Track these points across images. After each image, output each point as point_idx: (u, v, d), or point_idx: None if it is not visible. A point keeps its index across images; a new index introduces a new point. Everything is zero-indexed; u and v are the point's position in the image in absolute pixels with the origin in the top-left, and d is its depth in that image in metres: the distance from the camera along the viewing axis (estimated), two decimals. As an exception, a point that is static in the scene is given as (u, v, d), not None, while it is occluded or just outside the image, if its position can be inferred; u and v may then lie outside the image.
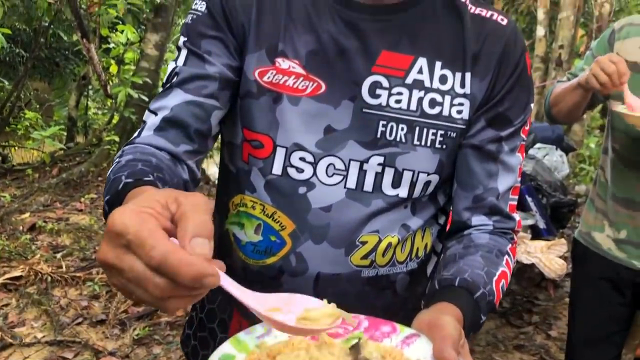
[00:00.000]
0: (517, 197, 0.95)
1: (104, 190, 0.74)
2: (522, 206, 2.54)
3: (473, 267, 0.82)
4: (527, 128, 0.94)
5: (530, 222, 2.40)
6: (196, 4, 0.89)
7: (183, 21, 0.92)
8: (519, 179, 0.95)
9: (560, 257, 2.26)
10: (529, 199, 2.56)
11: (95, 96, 8.85)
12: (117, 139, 5.87)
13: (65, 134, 7.22)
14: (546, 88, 5.75)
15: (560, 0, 5.25)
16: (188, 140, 0.85)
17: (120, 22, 6.55)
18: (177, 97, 0.85)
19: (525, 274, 2.28)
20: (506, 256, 0.89)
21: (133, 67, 6.89)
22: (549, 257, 2.24)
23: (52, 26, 7.71)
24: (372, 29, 0.85)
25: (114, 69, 7.23)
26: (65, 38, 8.74)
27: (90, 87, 7.99)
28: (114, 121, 6.66)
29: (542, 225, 2.51)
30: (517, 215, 0.95)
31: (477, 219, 0.92)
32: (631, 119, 1.53)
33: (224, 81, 0.85)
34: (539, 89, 6.03)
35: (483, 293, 0.78)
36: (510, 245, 0.92)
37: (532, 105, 0.93)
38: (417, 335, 0.66)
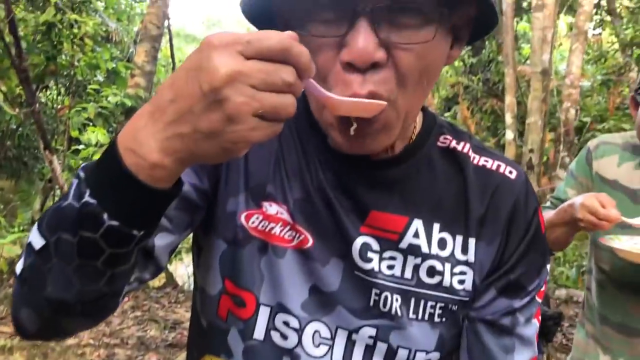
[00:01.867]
0: None
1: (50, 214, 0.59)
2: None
3: None
4: (543, 290, 0.82)
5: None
6: None
7: None
8: (537, 350, 0.82)
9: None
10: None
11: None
12: (81, 243, 5.67)
13: (28, 235, 6.98)
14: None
15: (527, 106, 5.44)
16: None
17: (91, 124, 6.53)
18: None
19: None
20: None
21: (102, 169, 6.82)
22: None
23: (19, 128, 7.67)
24: (360, 185, 0.74)
25: (82, 170, 7.16)
26: (34, 138, 8.70)
27: (57, 187, 7.87)
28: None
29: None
30: None
31: None
32: (628, 255, 1.44)
33: (185, 201, 0.71)
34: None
35: None
36: None
37: (548, 266, 0.82)
38: None
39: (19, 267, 0.62)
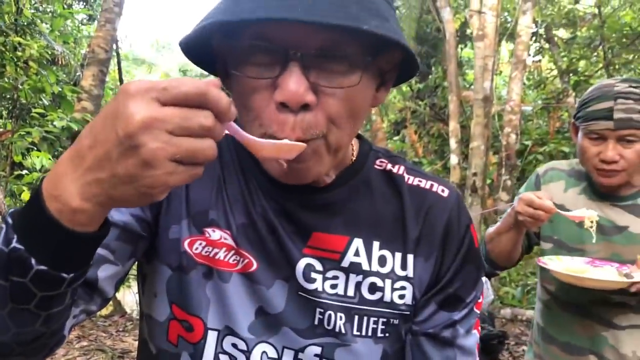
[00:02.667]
0: None
1: None
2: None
3: None
4: (480, 301, 0.87)
5: (462, 360, 2.35)
6: None
7: None
8: (478, 359, 0.87)
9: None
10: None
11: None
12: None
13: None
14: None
15: (470, 131, 5.67)
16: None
17: (35, 148, 6.35)
18: None
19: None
20: None
21: (47, 195, 6.62)
22: (485, 398, 2.17)
23: (-41, 153, 7.38)
24: (301, 209, 0.78)
25: (25, 196, 6.92)
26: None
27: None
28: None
29: (474, 361, 2.46)
30: None
31: None
32: (563, 277, 1.53)
33: (127, 232, 0.74)
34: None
35: None
36: None
37: (483, 279, 0.87)
38: None
39: None
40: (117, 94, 0.51)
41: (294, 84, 0.63)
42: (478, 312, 0.87)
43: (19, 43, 5.93)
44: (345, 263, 0.78)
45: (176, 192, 0.77)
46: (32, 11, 7.03)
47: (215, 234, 0.77)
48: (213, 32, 0.67)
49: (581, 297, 1.61)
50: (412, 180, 0.84)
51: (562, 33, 10.62)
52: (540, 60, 11.69)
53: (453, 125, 6.22)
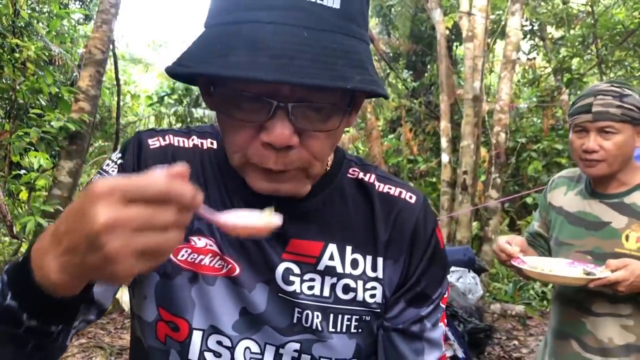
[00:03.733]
0: None
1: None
2: (440, 336, 2.58)
3: None
4: (446, 296, 0.94)
5: (449, 353, 2.42)
6: (109, 164, 0.87)
7: (92, 178, 0.88)
8: (444, 349, 0.94)
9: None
10: (446, 329, 2.60)
11: (1, 225, 8.43)
12: (23, 271, 5.53)
13: (-35, 265, 6.75)
14: (454, 211, 6.14)
15: (460, 130, 5.76)
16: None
17: (33, 148, 6.41)
18: None
19: (448, 409, 2.27)
20: None
21: (45, 194, 6.68)
22: (469, 390, 2.25)
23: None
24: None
25: (24, 195, 6.97)
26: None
27: (-3, 214, 7.65)
28: (22, 251, 6.32)
29: (460, 354, 2.53)
30: None
31: None
32: (532, 274, 1.70)
33: None
34: (447, 211, 6.38)
35: None
36: None
37: (448, 277, 0.94)
38: None
39: None
40: (85, 192, 0.55)
41: (280, 129, 0.68)
42: (444, 306, 0.93)
43: (17, 45, 5.99)
44: (321, 266, 0.85)
45: None
46: (29, 12, 7.08)
47: (200, 241, 0.84)
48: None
49: (568, 288, 1.78)
50: (382, 187, 0.90)
51: (556, 31, 10.69)
52: (534, 58, 11.77)
53: (444, 125, 6.31)
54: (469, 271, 3.52)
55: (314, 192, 0.85)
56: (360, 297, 0.86)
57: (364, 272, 0.86)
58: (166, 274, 0.84)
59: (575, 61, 10.11)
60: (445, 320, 0.95)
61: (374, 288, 0.87)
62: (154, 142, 0.87)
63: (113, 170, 0.86)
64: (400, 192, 0.90)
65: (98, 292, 0.80)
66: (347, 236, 0.86)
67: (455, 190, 6.12)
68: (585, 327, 1.75)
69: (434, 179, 10.00)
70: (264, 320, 0.84)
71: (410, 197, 0.90)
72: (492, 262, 5.32)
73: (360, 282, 0.86)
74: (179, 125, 12.25)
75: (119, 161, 0.86)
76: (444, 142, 6.14)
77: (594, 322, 1.74)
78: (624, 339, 1.69)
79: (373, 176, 0.91)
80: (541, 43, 10.84)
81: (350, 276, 0.85)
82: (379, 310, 0.87)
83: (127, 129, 12.34)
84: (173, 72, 0.69)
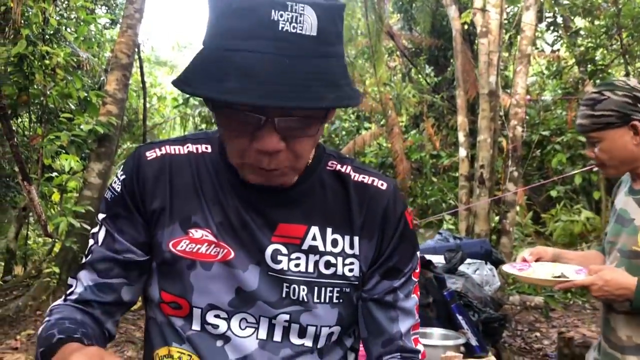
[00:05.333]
0: (418, 330, 1.08)
1: (36, 348, 0.88)
2: (453, 325, 2.64)
3: None
4: (417, 271, 1.07)
5: (461, 341, 2.48)
6: (115, 182, 1.00)
7: (104, 195, 1.03)
8: (417, 317, 1.07)
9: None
10: (460, 317, 2.65)
11: (36, 226, 8.72)
12: (57, 270, 5.75)
13: (2, 265, 7.02)
14: (471, 208, 6.19)
15: (477, 125, 5.79)
16: (102, 311, 0.99)
17: (64, 151, 6.64)
18: (90, 277, 0.98)
19: (459, 394, 2.34)
20: None
21: (76, 195, 6.90)
22: (481, 375, 2.32)
23: (-7, 158, 7.72)
24: (267, 205, 0.97)
25: (56, 197, 7.22)
26: (7, 167, 8.73)
27: (31, 215, 7.89)
28: (55, 250, 6.55)
29: (474, 342, 2.60)
30: (421, 347, 1.08)
31: (387, 357, 1.04)
32: (522, 279, 1.84)
33: (132, 264, 0.98)
34: (466, 204, 6.43)
35: None
36: None
37: (418, 252, 1.07)
38: None
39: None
40: None
41: (268, 139, 0.82)
42: (415, 280, 1.06)
43: (47, 52, 6.20)
44: (305, 246, 0.98)
45: (162, 205, 0.98)
46: (58, 19, 7.31)
47: (197, 233, 0.97)
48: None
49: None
50: (357, 177, 1.03)
51: (581, 22, 10.57)
52: (558, 50, 11.66)
53: (461, 119, 6.35)
54: (485, 263, 3.57)
55: (298, 182, 0.98)
56: (340, 272, 0.99)
57: (342, 250, 0.99)
58: (165, 262, 0.98)
59: (599, 52, 9.99)
60: (418, 293, 1.08)
61: (352, 263, 1.00)
62: (151, 154, 1.00)
63: (118, 187, 0.99)
64: (373, 180, 1.03)
65: (126, 297, 1.00)
66: (327, 219, 0.99)
67: (473, 183, 6.17)
68: (609, 325, 1.79)
69: (457, 174, 10.02)
70: (257, 297, 0.96)
71: (382, 185, 1.03)
72: (510, 255, 5.37)
73: (340, 259, 0.99)
74: (203, 126, 12.46)
75: (122, 177, 0.99)
76: (462, 137, 6.19)
77: (616, 319, 1.77)
78: None
79: (349, 167, 1.04)
80: (564, 35, 10.73)
81: (331, 254, 0.99)
82: (357, 283, 1.01)
83: (154, 131, 12.61)
84: (179, 86, 0.82)
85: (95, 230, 1.01)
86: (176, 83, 0.82)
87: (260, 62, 0.76)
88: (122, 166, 1.02)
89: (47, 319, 0.95)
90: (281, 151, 0.85)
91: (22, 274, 6.94)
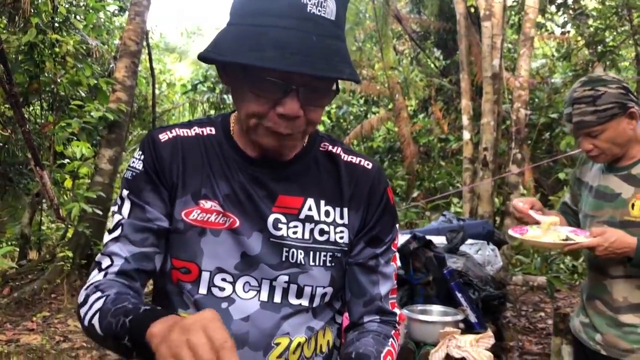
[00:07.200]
0: (395, 296, 1.19)
1: (105, 321, 0.94)
2: (453, 303, 2.71)
3: (366, 345, 1.09)
4: (396, 242, 1.19)
5: (460, 317, 2.55)
6: (134, 162, 1.10)
7: (123, 175, 1.13)
8: (396, 282, 1.20)
9: (488, 349, 2.42)
10: (459, 295, 2.72)
11: (49, 212, 8.87)
12: (70, 254, 5.89)
13: (17, 250, 7.17)
14: (476, 187, 6.23)
15: (481, 108, 5.81)
16: (141, 282, 1.07)
17: (75, 138, 6.74)
18: (127, 248, 1.05)
19: (457, 367, 2.41)
20: (391, 339, 1.15)
21: (87, 181, 7.02)
22: (477, 350, 2.38)
23: (6, 145, 7.86)
24: (270, 179, 1.08)
25: (68, 184, 7.34)
26: (19, 154, 8.86)
27: (44, 201, 8.02)
28: (68, 235, 6.68)
29: (473, 319, 2.67)
30: (397, 310, 1.20)
31: (367, 318, 1.16)
32: (530, 243, 1.93)
33: (161, 231, 1.07)
34: (470, 188, 6.47)
35: None
36: (394, 331, 1.17)
37: (397, 225, 1.19)
38: None
39: (85, 315, 0.99)
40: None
41: (292, 105, 0.95)
42: (395, 250, 1.20)
43: (57, 40, 6.29)
44: (302, 216, 1.10)
45: (176, 179, 1.08)
46: (66, 6, 7.39)
47: (207, 204, 1.07)
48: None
49: (592, 255, 1.95)
50: (346, 157, 1.16)
51: (590, 3, 10.48)
52: (568, 32, 11.58)
53: (465, 102, 6.39)
54: (488, 244, 3.63)
55: (296, 160, 1.11)
56: (332, 239, 1.11)
57: (334, 219, 1.12)
58: (177, 230, 1.08)
59: (608, 33, 9.91)
60: (397, 262, 1.21)
61: (342, 232, 1.12)
62: (164, 136, 1.10)
63: (140, 165, 1.08)
64: (360, 161, 1.17)
65: (159, 266, 1.08)
66: (321, 193, 1.12)
67: (476, 166, 6.21)
68: (605, 289, 1.95)
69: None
70: (259, 260, 1.07)
71: (368, 165, 1.17)
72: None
73: (332, 227, 1.11)
74: (212, 111, 12.54)
75: (142, 157, 1.09)
76: (465, 120, 6.23)
77: (611, 283, 1.93)
78: (639, 297, 1.89)
79: (339, 149, 1.17)
80: (570, 16, 10.64)
81: (324, 223, 1.11)
82: (346, 249, 1.13)
83: (164, 117, 12.70)
84: (208, 57, 0.94)
85: (115, 208, 1.09)
86: (205, 54, 0.95)
87: (292, 37, 0.89)
88: (138, 149, 1.12)
89: (98, 294, 1.00)
90: (299, 117, 0.97)
91: (36, 258, 7.09)
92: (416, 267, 2.94)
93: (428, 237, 3.10)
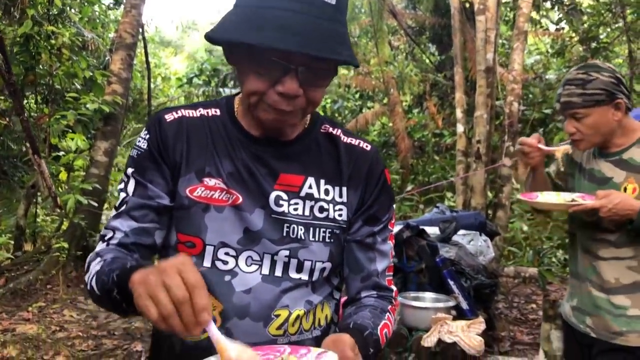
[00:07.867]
0: (392, 273, 1.24)
1: (99, 278, 1.01)
2: (445, 290, 2.78)
3: (363, 317, 1.13)
4: (393, 222, 1.23)
5: (451, 303, 2.61)
6: (139, 141, 1.14)
7: (129, 153, 1.17)
8: (392, 260, 1.24)
9: (479, 334, 2.47)
10: (451, 282, 2.79)
11: (44, 203, 8.87)
12: (66, 245, 5.90)
13: (12, 242, 7.17)
14: (469, 179, 6.29)
15: (474, 101, 5.87)
16: (140, 254, 1.11)
17: (71, 131, 6.75)
18: (127, 223, 1.11)
19: (449, 352, 2.46)
20: (387, 313, 1.19)
21: (83, 174, 7.03)
22: (469, 335, 2.44)
23: (0, 137, 7.85)
24: (272, 157, 1.13)
25: (63, 176, 7.35)
26: (14, 147, 8.86)
27: (39, 194, 8.02)
28: (64, 227, 6.70)
29: (464, 306, 2.73)
30: (394, 287, 1.24)
31: (365, 293, 1.21)
32: (538, 204, 2.00)
33: (162, 208, 1.12)
34: (463, 179, 6.54)
35: (370, 332, 1.09)
36: (390, 306, 1.21)
37: (394, 205, 1.23)
38: (325, 351, 0.93)
39: (88, 280, 1.05)
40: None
41: (291, 84, 0.99)
42: (391, 229, 1.24)
43: (52, 32, 6.30)
44: (302, 193, 1.14)
45: (179, 158, 1.12)
46: (62, -1, 7.38)
47: (211, 181, 1.11)
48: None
49: (582, 237, 2.04)
50: (346, 139, 1.21)
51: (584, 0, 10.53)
52: (563, 29, 11.63)
53: (458, 96, 6.46)
54: (480, 234, 3.69)
55: (297, 140, 1.16)
56: (331, 216, 1.15)
57: (333, 198, 1.16)
58: (183, 207, 1.12)
59: (602, 30, 9.97)
60: (394, 240, 1.25)
61: (340, 209, 1.17)
62: (170, 117, 1.15)
63: (144, 144, 1.13)
64: (359, 142, 1.22)
65: (159, 242, 1.13)
66: (321, 172, 1.16)
67: (470, 160, 6.27)
68: (595, 270, 2.00)
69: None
70: (261, 235, 1.11)
71: (367, 147, 1.22)
72: (506, 227, 5.48)
73: (331, 205, 1.16)
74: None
75: (147, 136, 1.13)
76: (459, 113, 6.29)
77: (602, 265, 1.98)
78: (630, 277, 1.93)
79: (339, 131, 1.22)
80: (563, 12, 10.69)
81: (324, 200, 1.15)
82: (345, 226, 1.18)
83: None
84: (215, 36, 0.98)
85: (122, 185, 1.14)
86: (211, 34, 0.99)
87: (294, 19, 0.94)
88: (145, 129, 1.16)
89: (98, 259, 1.06)
90: (299, 96, 1.01)
91: (31, 250, 7.10)
92: (409, 255, 3.00)
93: (421, 226, 3.16)
